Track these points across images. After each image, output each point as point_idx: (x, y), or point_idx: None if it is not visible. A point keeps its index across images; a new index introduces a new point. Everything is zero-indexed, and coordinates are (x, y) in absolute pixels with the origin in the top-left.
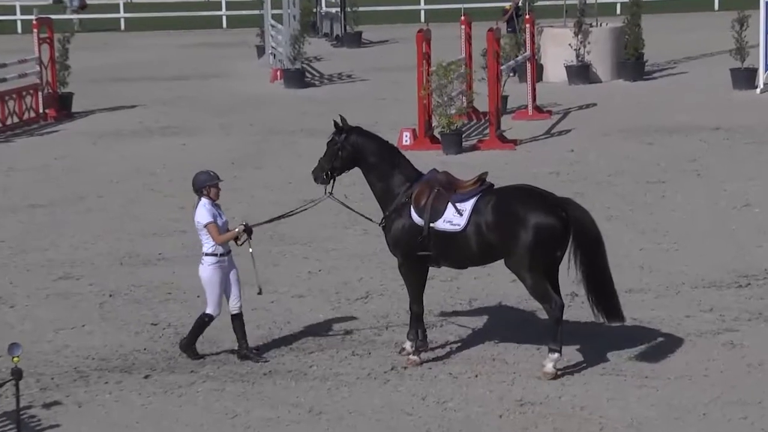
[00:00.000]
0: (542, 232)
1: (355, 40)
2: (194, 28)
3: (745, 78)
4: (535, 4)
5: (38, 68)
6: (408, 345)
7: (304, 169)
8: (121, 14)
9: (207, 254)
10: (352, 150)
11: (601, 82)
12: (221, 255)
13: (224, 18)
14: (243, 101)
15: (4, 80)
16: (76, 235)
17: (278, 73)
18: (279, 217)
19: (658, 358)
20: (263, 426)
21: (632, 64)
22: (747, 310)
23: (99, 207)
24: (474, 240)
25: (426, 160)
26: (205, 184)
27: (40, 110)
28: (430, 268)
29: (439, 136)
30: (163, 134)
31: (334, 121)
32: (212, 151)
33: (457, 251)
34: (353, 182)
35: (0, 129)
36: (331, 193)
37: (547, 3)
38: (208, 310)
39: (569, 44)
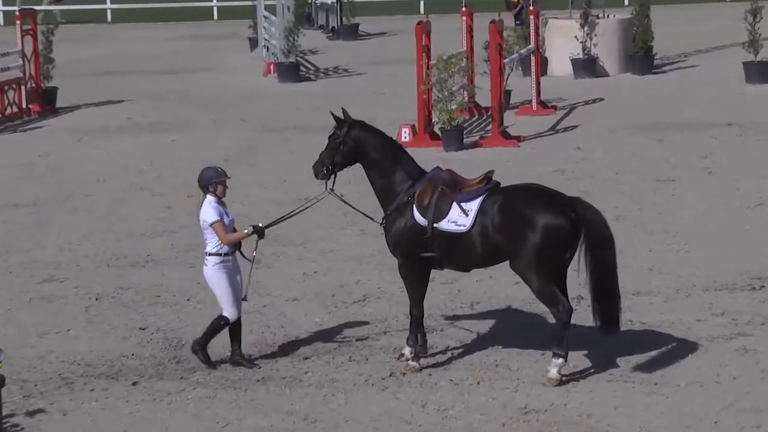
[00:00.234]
0: (551, 233)
1: (351, 33)
2: (184, 20)
3: (759, 71)
4: None
5: (21, 61)
6: (407, 351)
7: (299, 167)
8: (108, 5)
9: (210, 254)
10: (353, 145)
11: (608, 76)
12: (225, 255)
13: (215, 9)
14: (235, 96)
15: None
16: (60, 236)
17: (272, 66)
18: (285, 217)
19: (668, 364)
20: None
21: (641, 57)
22: (761, 314)
23: (85, 206)
24: (480, 241)
25: (426, 157)
26: (212, 181)
27: (23, 105)
28: (431, 270)
29: (439, 133)
30: (152, 130)
31: (334, 115)
32: (203, 148)
33: (461, 253)
34: (348, 180)
35: None
36: (332, 189)
37: None
38: (224, 313)
39: (575, 36)
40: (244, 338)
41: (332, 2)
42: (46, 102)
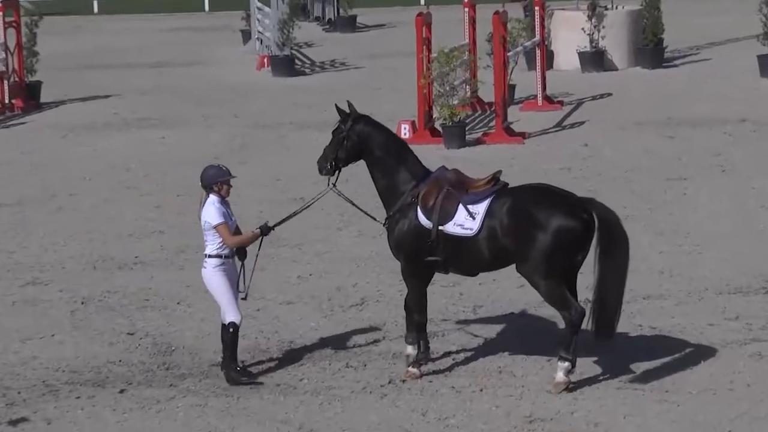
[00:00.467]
0: (562, 235)
1: (349, 25)
2: (174, 11)
3: None
4: None
5: (3, 55)
6: (410, 349)
7: (294, 165)
8: None
9: (210, 256)
10: (357, 140)
11: (616, 69)
12: (226, 257)
13: (206, 0)
14: (227, 91)
15: None
16: (45, 237)
17: (265, 60)
18: (292, 215)
19: (680, 371)
20: None
21: (651, 50)
22: None
23: (70, 206)
24: (487, 245)
25: (426, 154)
26: (217, 180)
27: (6, 100)
28: (433, 273)
29: (440, 129)
30: (140, 127)
31: (338, 108)
32: (194, 145)
33: (468, 257)
34: (346, 179)
35: None
36: (334, 185)
37: None
38: (229, 318)
39: (582, 28)
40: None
41: None
42: (29, 97)
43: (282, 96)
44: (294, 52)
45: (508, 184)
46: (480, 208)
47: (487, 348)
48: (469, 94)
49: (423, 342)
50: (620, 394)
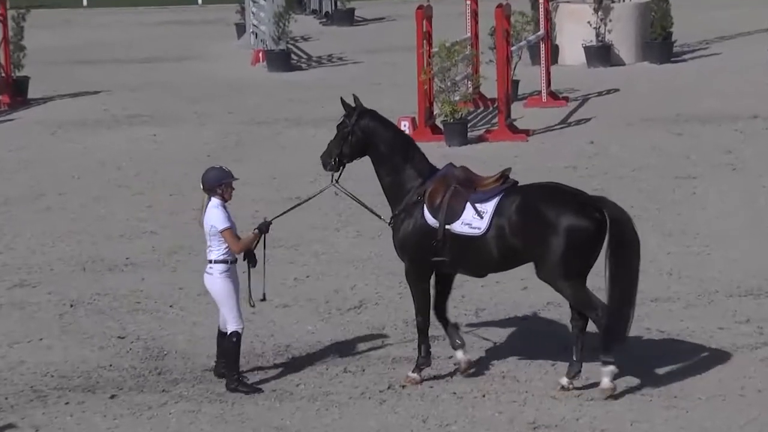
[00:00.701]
0: (575, 235)
1: (346, 18)
2: (165, 4)
3: None
4: None
5: None
6: (459, 353)
7: (290, 163)
8: None
9: (216, 261)
10: (362, 136)
11: (624, 64)
12: (231, 262)
13: None
14: (221, 86)
15: None
16: (32, 237)
17: (260, 54)
18: (289, 209)
19: (688, 376)
20: None
21: (659, 44)
22: None
23: (59, 205)
24: (496, 245)
25: (427, 152)
26: (221, 182)
27: None
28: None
29: (441, 126)
30: (131, 124)
31: (344, 102)
32: (186, 143)
33: (476, 257)
34: (343, 178)
35: None
36: (337, 181)
37: None
38: (232, 327)
39: (588, 22)
40: None
41: None
42: (17, 93)
43: (277, 92)
44: (290, 46)
45: (517, 182)
46: (488, 207)
47: (490, 352)
48: (471, 89)
49: (424, 346)
50: (627, 400)
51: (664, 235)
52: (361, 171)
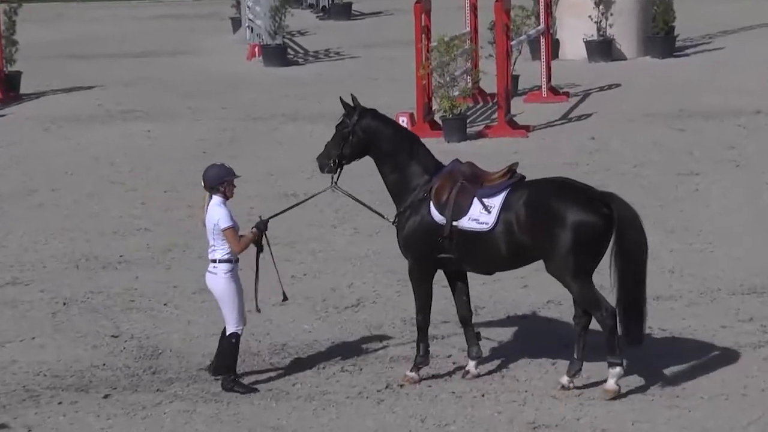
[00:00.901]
0: (583, 230)
1: (344, 12)
2: None
3: None
4: None
5: None
6: (471, 365)
7: (286, 159)
8: None
9: (221, 261)
10: (364, 135)
11: (625, 59)
12: (236, 261)
13: None
14: (216, 82)
15: None
16: (25, 235)
17: (256, 49)
18: (287, 209)
19: (691, 375)
20: None
21: (661, 39)
22: None
23: (51, 202)
24: (504, 241)
25: None
26: (223, 180)
27: None
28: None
29: (440, 122)
30: (125, 119)
31: (344, 101)
32: (181, 139)
33: (484, 254)
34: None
35: None
36: (335, 183)
37: None
38: (232, 328)
39: (589, 16)
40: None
41: None
42: (9, 88)
43: (273, 87)
44: (286, 40)
45: (524, 176)
46: (496, 202)
47: (489, 351)
48: (470, 85)
49: (423, 345)
50: (628, 400)
51: (667, 233)
52: (358, 168)
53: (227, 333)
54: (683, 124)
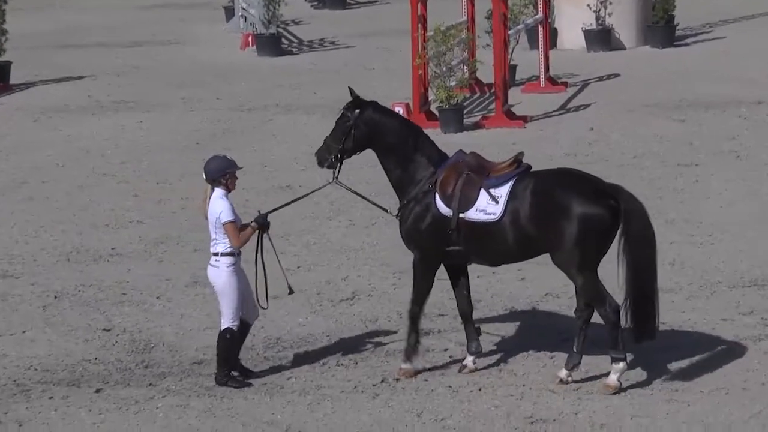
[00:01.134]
0: (589, 222)
1: (339, 1)
2: None
3: None
4: None
5: None
6: (469, 360)
7: (281, 151)
8: None
9: (223, 254)
10: (367, 129)
11: (624, 48)
12: (238, 255)
13: None
14: (208, 72)
15: None
16: (15, 227)
17: (250, 38)
18: (286, 204)
19: (690, 369)
20: None
21: (661, 28)
22: None
23: (42, 194)
24: (511, 232)
25: None
26: (225, 172)
27: None
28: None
29: (436, 112)
30: (116, 110)
31: (352, 91)
32: (173, 130)
33: (491, 245)
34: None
35: None
36: (336, 178)
37: None
38: (227, 323)
39: (588, 5)
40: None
41: None
42: None
43: (268, 77)
44: (280, 30)
45: (531, 167)
46: (503, 191)
47: (486, 345)
48: (467, 75)
49: (414, 335)
50: (627, 394)
51: (666, 224)
52: (355, 159)
53: (222, 327)
54: (683, 115)
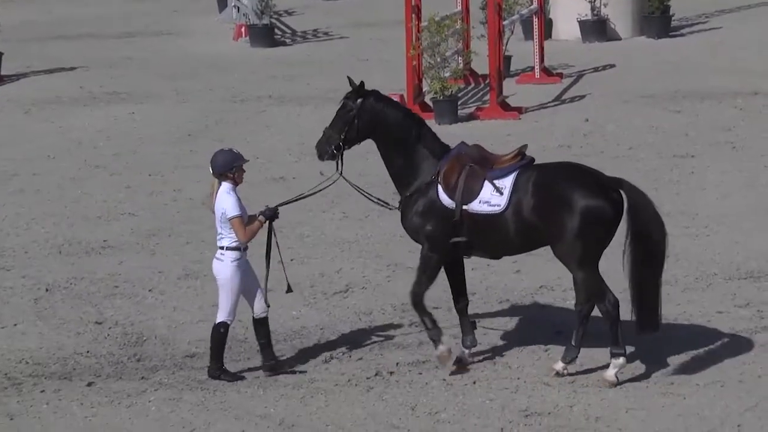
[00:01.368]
0: (592, 214)
1: None
2: None
3: None
4: None
5: None
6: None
7: (274, 142)
8: None
9: (229, 248)
10: (369, 119)
11: (620, 39)
12: (244, 250)
13: None
14: (201, 63)
15: None
16: (6, 219)
17: (243, 29)
18: (295, 198)
19: (686, 362)
20: None
21: (657, 18)
22: None
23: (33, 186)
24: (515, 222)
25: None
26: (232, 166)
27: None
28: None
29: (430, 104)
30: (109, 102)
31: (351, 81)
32: (166, 121)
33: (495, 237)
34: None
35: None
36: (341, 173)
37: None
38: (222, 318)
39: None
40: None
41: None
42: None
43: (261, 68)
44: (273, 20)
45: (534, 159)
46: (507, 182)
47: (481, 338)
48: (461, 65)
49: (427, 319)
50: (623, 387)
51: (662, 216)
52: (349, 150)
53: (217, 321)
54: (679, 106)
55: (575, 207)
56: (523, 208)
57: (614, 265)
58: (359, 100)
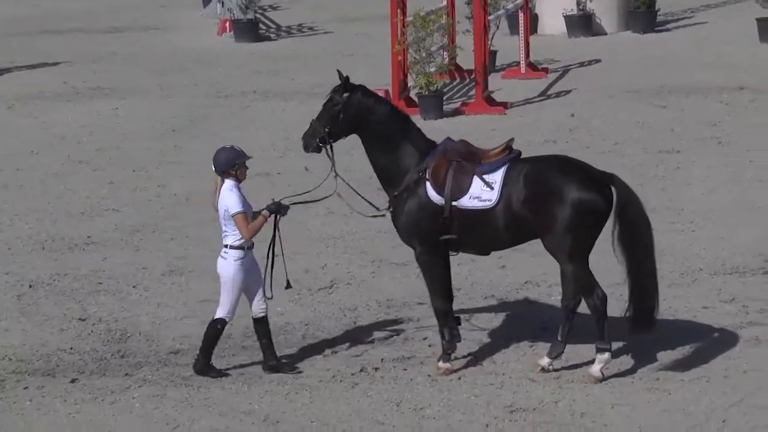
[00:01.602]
0: (583, 208)
1: None
2: None
3: None
4: None
5: None
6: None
7: (259, 138)
8: None
9: (232, 247)
10: (355, 113)
11: (606, 34)
12: (249, 248)
13: None
14: (186, 58)
15: None
16: None
17: (227, 24)
18: (308, 200)
19: (671, 357)
20: None
21: (643, 13)
22: None
23: (16, 182)
24: (506, 216)
25: None
26: (235, 163)
27: None
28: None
29: (416, 99)
30: (92, 97)
31: (341, 74)
32: (150, 117)
33: (486, 233)
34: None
35: None
36: (336, 173)
37: None
38: (221, 314)
39: None
40: (196, 331)
41: None
42: None
43: (245, 63)
44: (258, 15)
45: (521, 153)
46: (497, 177)
47: (466, 334)
48: (446, 60)
49: (447, 330)
50: (608, 383)
51: (647, 211)
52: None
53: (215, 317)
54: (665, 101)
55: (568, 199)
56: (514, 202)
57: (602, 261)
58: (345, 95)
